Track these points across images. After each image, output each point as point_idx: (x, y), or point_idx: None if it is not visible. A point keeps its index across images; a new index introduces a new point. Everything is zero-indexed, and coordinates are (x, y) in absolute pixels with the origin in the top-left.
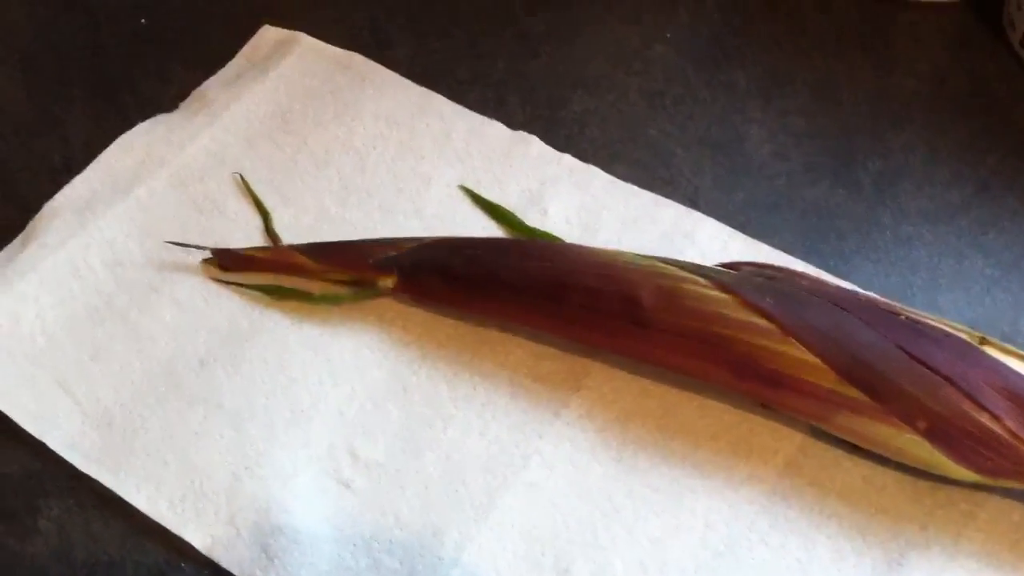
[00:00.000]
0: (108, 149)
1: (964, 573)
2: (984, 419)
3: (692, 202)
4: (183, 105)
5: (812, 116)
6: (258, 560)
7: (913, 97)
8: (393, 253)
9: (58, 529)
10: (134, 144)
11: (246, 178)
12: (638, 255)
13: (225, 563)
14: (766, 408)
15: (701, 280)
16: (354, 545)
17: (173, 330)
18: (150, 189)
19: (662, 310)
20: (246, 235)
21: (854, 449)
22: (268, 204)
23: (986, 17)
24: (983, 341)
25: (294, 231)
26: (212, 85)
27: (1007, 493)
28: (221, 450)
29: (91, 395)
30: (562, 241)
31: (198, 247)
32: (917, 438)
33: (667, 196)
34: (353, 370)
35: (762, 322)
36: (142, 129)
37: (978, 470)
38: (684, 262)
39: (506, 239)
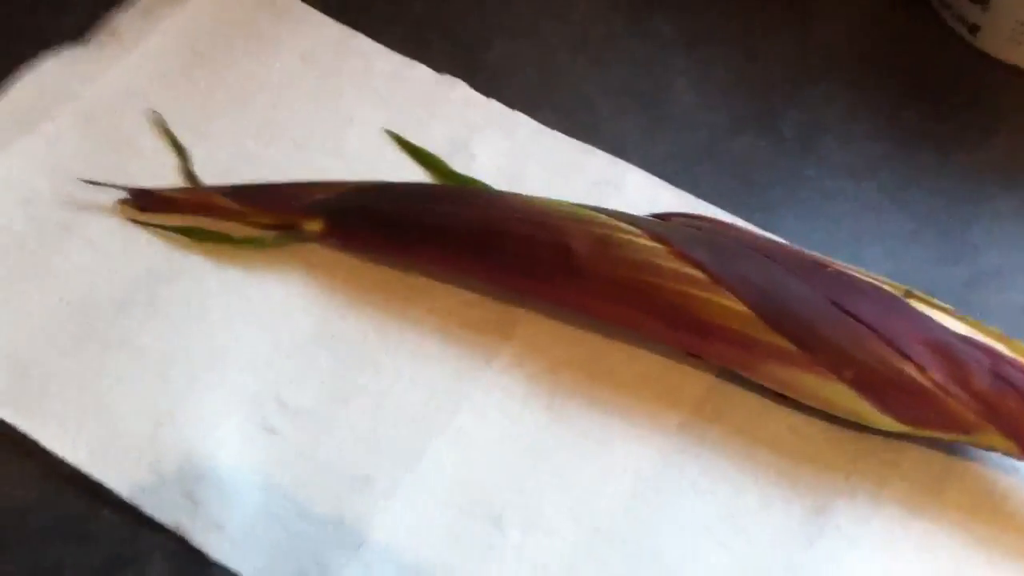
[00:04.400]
0: (12, 82)
1: (888, 520)
2: (909, 369)
3: (618, 152)
4: (92, 38)
5: (736, 67)
6: (182, 506)
7: (834, 50)
8: (321, 197)
9: None
10: (40, 77)
11: (161, 115)
12: (571, 204)
13: (148, 509)
14: (695, 357)
15: (634, 230)
16: (281, 492)
17: (88, 271)
18: (58, 125)
19: (595, 259)
20: (160, 174)
21: (781, 399)
22: (183, 141)
23: None
24: (908, 294)
25: (210, 169)
26: (123, 17)
27: (930, 443)
28: (142, 395)
29: (1, 338)
30: (491, 188)
31: (114, 186)
32: (844, 387)
33: (593, 145)
34: (279, 316)
35: (693, 272)
36: (49, 62)
37: (903, 419)
38: (616, 211)
39: (440, 186)
